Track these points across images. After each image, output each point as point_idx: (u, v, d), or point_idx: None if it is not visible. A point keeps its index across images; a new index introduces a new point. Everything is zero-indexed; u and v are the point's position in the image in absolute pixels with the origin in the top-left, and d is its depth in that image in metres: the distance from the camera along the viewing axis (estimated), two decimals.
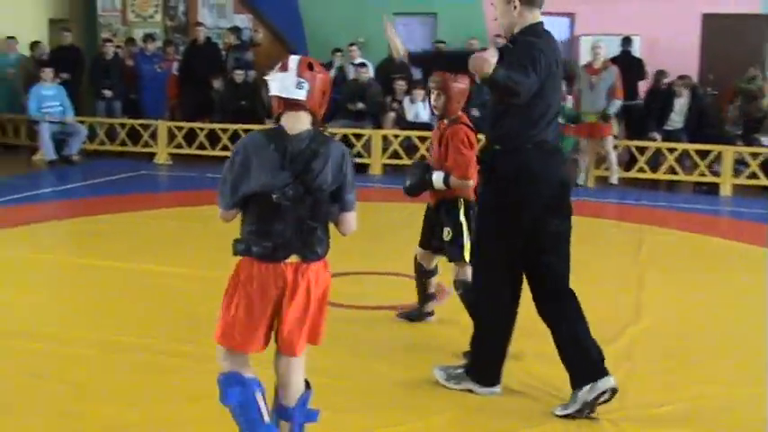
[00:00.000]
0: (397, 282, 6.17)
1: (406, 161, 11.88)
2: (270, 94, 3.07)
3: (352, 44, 13.12)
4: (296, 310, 3.06)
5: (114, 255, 6.80)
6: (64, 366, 4.43)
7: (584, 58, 12.51)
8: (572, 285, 4.00)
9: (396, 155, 11.97)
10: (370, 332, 5.12)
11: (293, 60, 3.06)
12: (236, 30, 13.61)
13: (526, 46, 3.70)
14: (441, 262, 5.16)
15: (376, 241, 7.53)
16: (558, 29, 12.34)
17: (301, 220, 3.04)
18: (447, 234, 4.77)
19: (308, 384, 3.24)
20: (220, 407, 3.16)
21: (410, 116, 12.13)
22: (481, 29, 13.03)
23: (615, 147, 11.49)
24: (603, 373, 3.88)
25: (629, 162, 11.77)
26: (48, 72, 12.20)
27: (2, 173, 11.27)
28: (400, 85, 12.31)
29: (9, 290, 5.86)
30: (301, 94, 3.03)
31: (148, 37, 13.72)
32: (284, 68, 3.04)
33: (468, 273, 4.58)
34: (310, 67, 3.05)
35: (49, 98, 12.10)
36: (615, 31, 12.65)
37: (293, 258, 3.04)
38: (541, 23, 3.85)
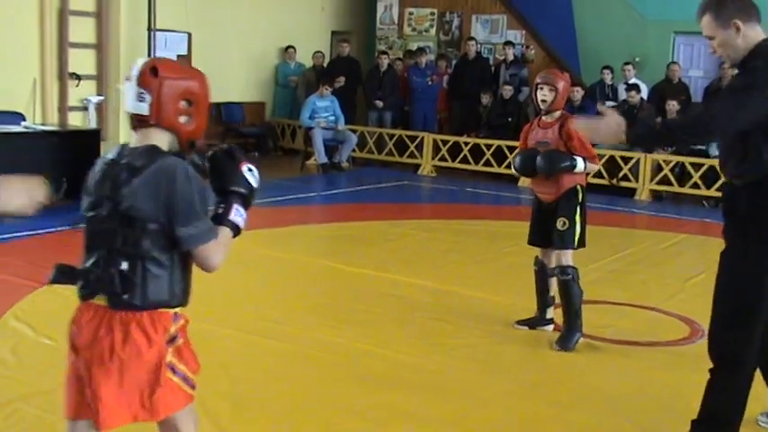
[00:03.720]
0: (646, 316, 5.82)
1: (676, 188, 11.18)
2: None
3: (626, 63, 12.54)
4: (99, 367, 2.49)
5: (363, 261, 6.92)
6: (296, 365, 4.51)
7: None
8: None
9: (666, 181, 11.25)
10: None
11: (137, 66, 2.49)
12: (510, 45, 13.52)
13: (753, 72, 3.25)
14: None
15: (634, 272, 7.10)
16: None
17: (108, 252, 2.46)
18: (563, 224, 4.89)
19: None
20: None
21: None
22: None
23: None
24: None
25: None
26: (324, 86, 12.77)
27: (279, 175, 12.01)
28: (672, 106, 11.55)
29: (260, 285, 6.14)
30: (142, 109, 2.47)
31: (421, 50, 14.01)
32: (127, 78, 2.49)
33: (570, 258, 4.92)
34: (154, 72, 2.45)
35: (321, 109, 12.69)
36: None
37: (98, 299, 2.49)
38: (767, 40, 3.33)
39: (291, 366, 4.59)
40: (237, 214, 2.56)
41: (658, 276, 7.05)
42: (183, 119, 2.50)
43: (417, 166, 13.08)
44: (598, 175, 11.63)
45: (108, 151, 2.60)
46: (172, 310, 2.52)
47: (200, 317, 5.26)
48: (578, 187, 4.98)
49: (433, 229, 8.72)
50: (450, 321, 5.49)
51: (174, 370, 2.51)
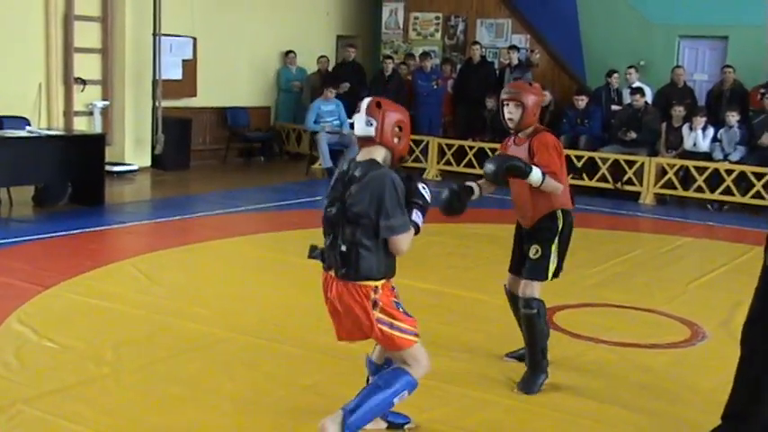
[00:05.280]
0: (647, 318, 5.83)
1: (680, 192, 11.18)
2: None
3: (631, 67, 12.54)
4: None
5: None
6: (300, 367, 4.53)
7: None
8: None
9: (670, 185, 11.26)
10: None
11: (364, 103, 3.45)
12: (515, 49, 13.53)
13: None
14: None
15: (636, 275, 7.11)
16: None
17: (335, 241, 3.41)
18: (535, 252, 4.35)
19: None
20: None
21: (688, 145, 11.35)
22: None
23: None
24: None
25: None
26: (329, 90, 12.81)
27: (284, 179, 12.05)
28: (678, 111, 11.55)
29: (265, 288, 6.15)
30: (369, 131, 3.40)
31: (426, 55, 14.03)
32: (357, 110, 3.45)
33: (536, 290, 4.36)
34: (378, 105, 3.41)
35: (327, 113, 12.71)
36: None
37: (331, 272, 3.46)
38: None
39: (294, 369, 4.60)
40: (417, 217, 3.46)
41: (661, 279, 7.05)
42: (395, 140, 3.44)
43: (423, 170, 13.09)
44: (602, 178, 11.67)
45: (342, 162, 3.55)
46: (374, 283, 3.40)
47: (203, 320, 5.32)
48: (558, 213, 4.39)
49: (436, 232, 8.70)
50: (452, 323, 5.51)
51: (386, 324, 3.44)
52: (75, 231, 7.87)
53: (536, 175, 4.21)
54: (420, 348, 3.53)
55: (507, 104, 4.38)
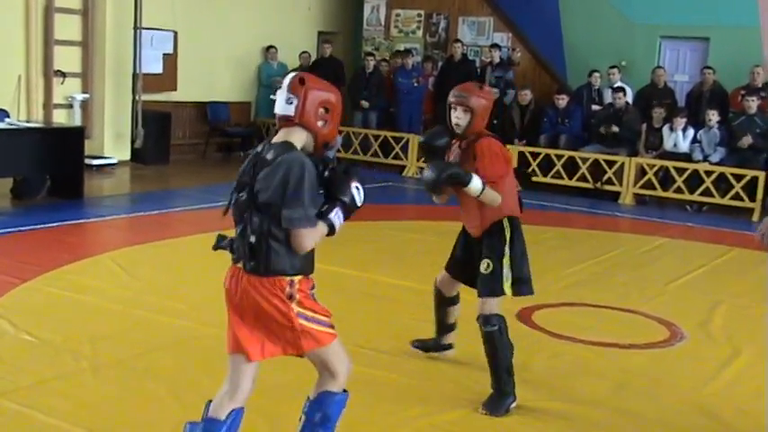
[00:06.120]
0: (626, 318, 5.86)
1: (660, 192, 11.26)
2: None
3: (612, 66, 12.61)
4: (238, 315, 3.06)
5: (345, 261, 6.88)
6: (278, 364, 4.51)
7: None
8: None
9: (650, 185, 11.33)
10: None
11: (288, 78, 3.06)
12: (496, 48, 13.56)
13: None
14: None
15: (615, 275, 7.16)
16: None
17: (245, 230, 3.00)
18: (486, 267, 4.13)
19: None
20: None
21: (668, 145, 11.43)
22: (757, 56, 12.00)
23: None
24: None
25: None
26: None
27: None
28: (658, 112, 11.62)
29: None
30: (289, 110, 3.00)
31: (407, 52, 14.03)
32: (280, 86, 3.08)
33: (495, 306, 4.14)
34: (302, 82, 3.01)
35: None
36: None
37: (239, 264, 3.05)
38: None
39: (271, 365, 4.58)
40: (337, 217, 3.03)
41: (639, 279, 7.10)
42: (320, 123, 3.02)
43: (402, 168, 13.10)
44: (582, 178, 11.73)
45: (255, 145, 3.18)
46: (289, 277, 2.97)
47: (181, 315, 5.29)
48: (505, 222, 4.16)
49: (417, 230, 8.74)
50: (432, 321, 5.51)
51: (304, 316, 3.01)
52: (53, 224, 7.80)
53: (475, 184, 4.00)
54: (340, 343, 3.15)
55: (455, 108, 4.13)
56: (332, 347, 3.11)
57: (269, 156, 2.95)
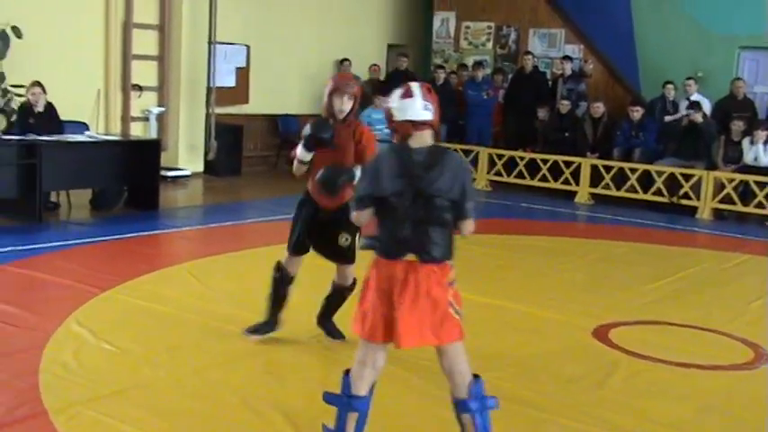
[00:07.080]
0: (707, 338, 5.69)
1: (740, 207, 10.93)
2: (398, 120, 3.39)
3: (689, 78, 12.32)
4: (405, 304, 3.29)
5: None
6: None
7: None
8: None
9: (729, 200, 11.01)
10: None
11: (415, 87, 3.42)
12: (568, 59, 13.39)
13: None
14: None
15: (695, 293, 6.96)
16: None
17: (417, 223, 3.29)
18: (345, 240, 4.74)
19: (476, 376, 3.41)
20: None
21: (749, 159, 11.10)
22: None
23: None
24: None
25: None
26: (380, 99, 12.80)
27: None
28: (738, 124, 11.30)
29: (313, 294, 6.13)
30: (428, 115, 3.38)
31: (478, 64, 13.95)
32: (409, 95, 3.39)
33: (351, 273, 4.86)
34: (430, 90, 3.43)
35: (377, 121, 12.68)
36: None
37: (409, 257, 3.31)
38: None
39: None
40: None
41: (721, 297, 6.88)
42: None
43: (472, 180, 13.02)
44: (657, 192, 11.46)
45: (382, 150, 3.58)
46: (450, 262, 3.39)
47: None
48: None
49: (487, 243, 8.63)
50: (505, 338, 5.43)
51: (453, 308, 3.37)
52: (130, 235, 7.95)
53: (358, 173, 4.31)
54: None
55: (345, 97, 4.68)
56: (462, 343, 3.41)
57: (428, 159, 3.32)
